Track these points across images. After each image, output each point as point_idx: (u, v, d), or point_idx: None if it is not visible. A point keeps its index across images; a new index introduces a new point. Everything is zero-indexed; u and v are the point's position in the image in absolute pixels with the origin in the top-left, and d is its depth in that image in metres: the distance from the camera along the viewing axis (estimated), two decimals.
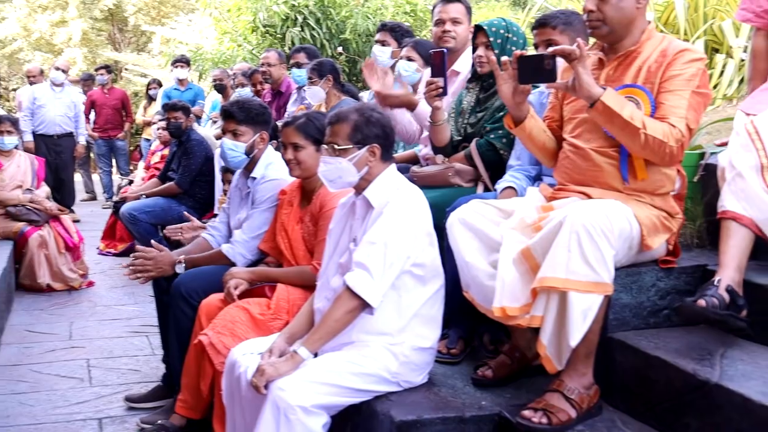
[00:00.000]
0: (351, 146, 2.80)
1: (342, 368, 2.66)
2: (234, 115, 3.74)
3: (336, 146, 2.81)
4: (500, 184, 3.28)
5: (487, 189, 3.45)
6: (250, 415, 2.74)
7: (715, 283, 2.57)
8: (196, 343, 3.22)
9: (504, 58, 2.77)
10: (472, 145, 3.48)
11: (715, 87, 4.82)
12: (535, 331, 2.58)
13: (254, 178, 3.77)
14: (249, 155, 3.75)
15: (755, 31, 3.13)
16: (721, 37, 4.94)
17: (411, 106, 3.79)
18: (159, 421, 3.50)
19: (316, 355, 2.71)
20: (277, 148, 3.87)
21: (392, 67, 4.46)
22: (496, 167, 3.45)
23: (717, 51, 4.96)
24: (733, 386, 2.28)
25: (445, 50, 3.44)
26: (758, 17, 3.07)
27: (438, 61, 3.38)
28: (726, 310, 2.52)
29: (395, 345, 2.76)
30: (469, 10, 4.09)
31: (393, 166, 2.91)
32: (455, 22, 4.03)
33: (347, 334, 2.74)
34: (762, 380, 2.30)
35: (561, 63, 2.72)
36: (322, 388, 2.59)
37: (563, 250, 2.46)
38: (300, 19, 9.25)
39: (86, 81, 11.66)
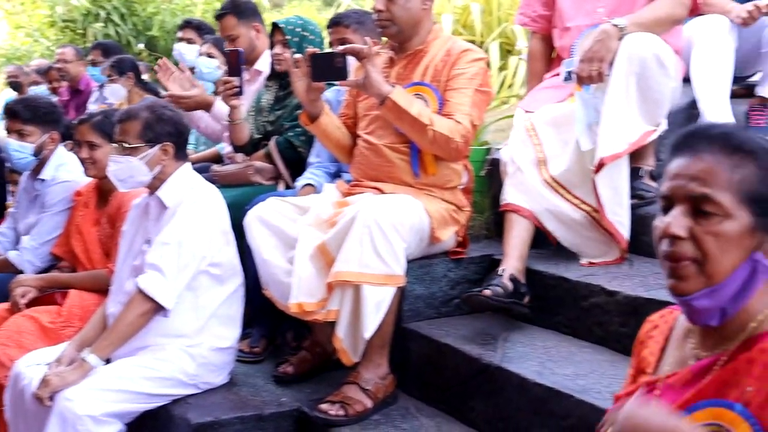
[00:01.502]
0: (142, 144, 2.72)
1: (135, 374, 2.58)
2: (19, 114, 3.54)
3: (126, 144, 2.73)
4: (299, 182, 3.31)
5: (288, 187, 3.47)
6: (35, 430, 2.61)
7: (500, 273, 2.73)
8: None
9: (297, 56, 2.81)
10: (272, 143, 3.49)
11: (510, 87, 5.13)
12: (334, 326, 2.63)
13: (43, 180, 3.58)
14: (37, 156, 3.56)
15: (532, 34, 3.34)
16: (513, 40, 5.25)
17: (206, 107, 3.74)
18: None
19: (109, 361, 2.63)
20: (72, 149, 3.70)
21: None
22: (296, 165, 3.47)
23: (510, 53, 5.27)
24: (512, 368, 2.43)
25: (240, 50, 3.44)
26: (534, 21, 3.27)
27: (234, 60, 3.37)
28: (510, 298, 2.68)
29: (192, 347, 2.72)
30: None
31: (187, 165, 2.86)
32: None
33: (141, 338, 2.67)
34: (537, 361, 2.47)
35: (354, 61, 2.79)
36: (114, 396, 2.51)
37: (356, 245, 2.52)
38: (103, 14, 8.87)
39: None
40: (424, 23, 2.87)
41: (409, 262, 2.75)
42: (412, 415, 2.64)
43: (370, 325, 2.53)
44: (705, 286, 1.29)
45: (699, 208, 1.28)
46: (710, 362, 1.34)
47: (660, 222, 1.33)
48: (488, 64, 4.86)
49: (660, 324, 1.55)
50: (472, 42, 5.07)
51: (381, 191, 2.81)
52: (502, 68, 5.16)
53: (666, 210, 1.33)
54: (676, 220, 1.29)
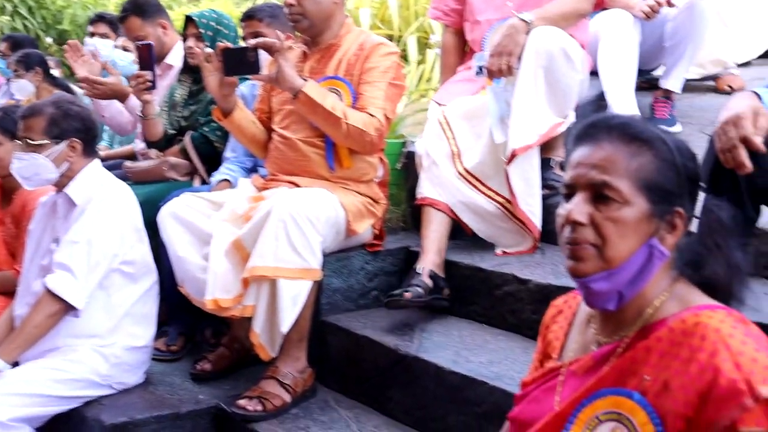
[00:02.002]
0: (47, 141, 2.65)
1: (43, 376, 2.52)
2: None
3: (30, 141, 2.66)
4: (215, 177, 3.27)
5: (204, 182, 3.43)
6: None
7: (418, 271, 2.75)
8: None
9: (208, 50, 2.79)
10: (186, 138, 3.44)
11: (428, 80, 5.17)
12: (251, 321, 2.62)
13: None
14: None
15: (445, 27, 3.39)
16: (431, 34, 5.30)
17: (122, 97, 3.66)
18: None
19: (17, 365, 2.56)
20: None
21: None
22: (212, 160, 3.43)
23: (428, 46, 5.31)
24: (428, 357, 2.47)
25: (151, 43, 3.38)
26: (446, 15, 3.31)
27: (145, 54, 3.31)
28: (430, 295, 2.71)
29: (105, 347, 2.67)
30: None
31: (96, 162, 2.81)
32: None
33: (51, 340, 2.61)
34: (453, 350, 2.51)
35: (267, 56, 2.78)
36: (22, 400, 2.44)
37: (271, 239, 2.52)
38: (9, 7, 8.57)
39: None
40: (336, 17, 2.87)
41: (326, 255, 2.77)
42: (331, 408, 2.66)
43: (287, 320, 2.53)
44: (603, 269, 1.33)
45: (599, 194, 1.32)
46: (610, 349, 1.38)
47: (563, 209, 1.37)
48: (405, 58, 4.93)
49: (564, 309, 1.59)
50: (390, 36, 5.13)
51: (296, 185, 2.81)
52: (420, 62, 5.20)
53: (568, 197, 1.37)
54: (577, 207, 1.33)
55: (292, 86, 2.66)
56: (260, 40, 2.71)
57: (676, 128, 3.39)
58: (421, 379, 2.46)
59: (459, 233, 3.00)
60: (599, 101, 3.42)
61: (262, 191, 2.86)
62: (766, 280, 2.27)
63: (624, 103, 3.24)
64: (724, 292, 1.39)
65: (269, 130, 2.99)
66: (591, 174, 1.33)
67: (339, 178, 2.85)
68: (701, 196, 1.39)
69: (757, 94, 1.98)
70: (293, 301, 2.55)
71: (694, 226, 1.37)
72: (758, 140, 1.83)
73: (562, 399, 1.43)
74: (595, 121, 1.41)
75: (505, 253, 2.88)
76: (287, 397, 2.61)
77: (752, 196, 1.92)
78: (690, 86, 3.74)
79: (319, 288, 2.79)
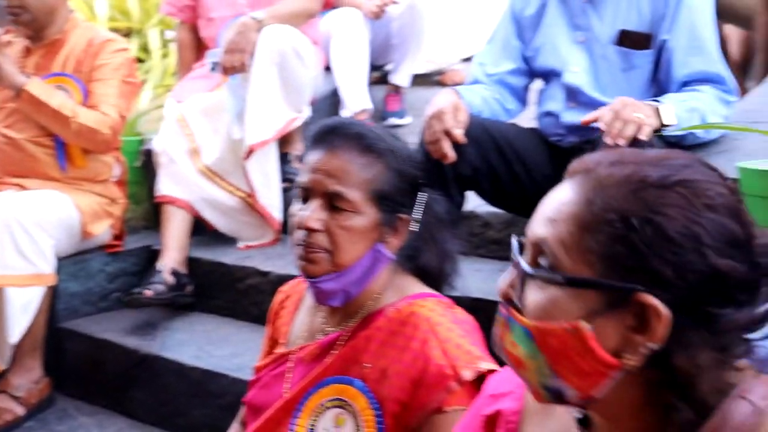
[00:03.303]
0: None
1: None
2: None
3: None
4: None
5: None
6: None
7: (159, 268, 2.75)
8: None
9: None
10: None
11: (174, 74, 5.07)
12: None
13: None
14: None
15: (180, 24, 3.37)
16: (173, 28, 5.20)
17: None
18: None
19: None
20: None
21: None
22: None
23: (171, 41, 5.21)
24: (171, 355, 2.49)
25: None
26: (180, 11, 3.30)
27: None
28: (172, 291, 2.71)
29: None
30: None
31: None
32: None
33: None
34: (196, 345, 2.54)
35: None
36: None
37: None
38: None
39: None
40: (60, 11, 2.78)
41: (61, 259, 2.69)
42: (71, 416, 2.60)
43: (17, 329, 2.45)
44: (332, 272, 1.41)
45: (333, 203, 1.40)
46: (335, 338, 1.47)
47: (297, 210, 1.43)
48: (147, 51, 4.80)
49: (291, 294, 1.66)
50: (130, 29, 4.97)
51: (24, 188, 2.70)
52: (165, 56, 5.09)
53: (305, 199, 1.44)
54: (313, 214, 1.40)
55: (13, 84, 2.57)
56: None
57: (406, 120, 3.64)
58: (163, 377, 2.47)
59: (201, 229, 3.02)
60: (334, 96, 3.57)
61: None
62: (477, 258, 2.51)
63: (357, 97, 3.41)
64: (437, 278, 1.53)
65: None
66: (326, 182, 1.40)
67: (72, 178, 2.77)
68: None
69: (458, 92, 2.20)
70: (24, 309, 2.46)
71: (415, 225, 1.48)
72: (459, 132, 2.03)
73: (291, 385, 1.50)
74: (333, 127, 1.47)
75: (248, 246, 2.94)
76: (20, 411, 2.53)
77: (458, 183, 2.11)
78: (419, 80, 4.00)
79: (54, 293, 2.70)
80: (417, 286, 1.49)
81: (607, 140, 1.89)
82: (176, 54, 3.44)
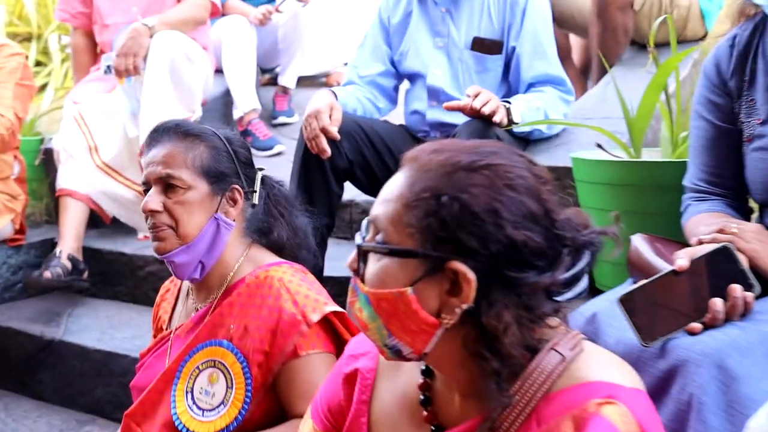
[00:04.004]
0: None
1: None
2: None
3: None
4: None
5: None
6: None
7: (57, 254, 2.69)
8: None
9: None
10: None
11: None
12: None
13: None
14: None
15: (74, 29, 3.27)
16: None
17: None
18: None
19: None
20: None
21: None
22: None
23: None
24: (74, 339, 2.46)
25: None
26: (74, 18, 3.18)
27: None
28: (70, 275, 2.66)
29: None
30: None
31: None
32: None
33: None
34: (99, 329, 2.50)
35: None
36: None
37: None
38: None
39: None
40: None
41: None
42: None
43: None
44: (180, 245, 1.45)
45: (167, 184, 1.44)
46: (205, 311, 1.51)
47: (144, 202, 1.47)
48: (47, 55, 4.63)
49: (171, 288, 1.69)
50: (30, 34, 4.78)
51: None
52: (64, 60, 4.92)
53: (147, 192, 1.47)
54: (151, 198, 1.44)
55: None
56: None
57: (294, 118, 3.67)
58: (67, 360, 2.43)
59: (102, 223, 2.97)
60: (226, 96, 3.56)
61: None
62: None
63: (247, 98, 3.41)
64: (289, 250, 1.58)
65: None
66: (158, 170, 1.45)
67: None
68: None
69: (334, 92, 2.25)
70: None
71: (257, 198, 1.53)
72: (333, 130, 2.08)
73: (170, 360, 1.51)
74: (156, 128, 1.52)
75: (146, 237, 2.90)
76: None
77: (335, 175, 2.16)
78: (307, 82, 4.03)
79: None
80: (271, 257, 1.53)
81: (477, 105, 1.99)
82: (72, 58, 3.34)
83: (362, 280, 0.93)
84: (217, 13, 3.19)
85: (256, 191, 1.54)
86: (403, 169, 0.93)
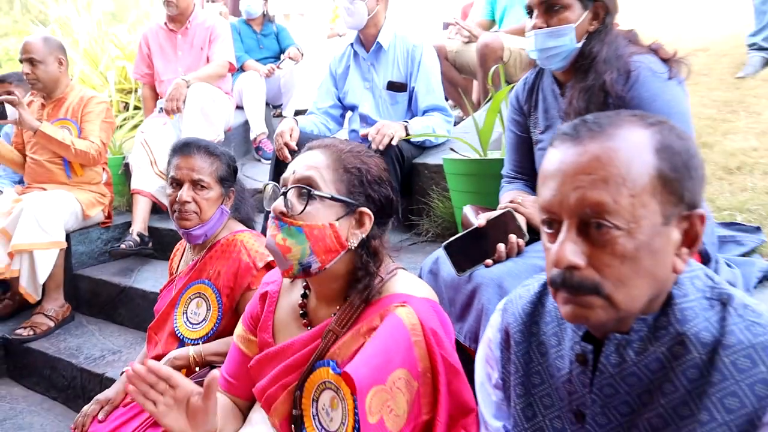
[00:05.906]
0: None
1: None
2: None
3: None
4: None
5: None
6: None
7: (131, 232, 2.95)
8: None
9: None
10: None
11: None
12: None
13: None
14: None
15: (143, 85, 3.49)
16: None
17: None
18: None
19: None
20: None
21: None
22: None
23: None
24: (140, 286, 2.62)
25: None
26: (142, 77, 3.43)
27: None
28: (139, 246, 2.92)
29: None
30: None
31: None
32: None
33: None
34: (155, 280, 2.66)
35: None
36: None
37: (26, 224, 2.59)
38: None
39: None
40: (62, 80, 2.92)
41: (72, 231, 2.85)
42: (83, 325, 2.75)
43: (42, 275, 2.62)
44: (198, 224, 1.56)
45: (196, 185, 1.55)
46: (196, 262, 1.63)
47: (171, 192, 1.56)
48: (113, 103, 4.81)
49: (179, 247, 1.81)
50: (131, 88, 4.88)
51: (44, 189, 2.86)
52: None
53: (174, 186, 1.56)
54: (185, 193, 1.54)
55: (31, 127, 2.72)
56: (4, 96, 2.71)
57: None
58: (135, 299, 2.64)
59: (159, 210, 3.14)
60: (245, 125, 3.77)
61: (21, 195, 2.87)
62: None
63: (258, 125, 3.65)
64: (250, 222, 1.75)
65: (24, 155, 2.99)
66: (192, 174, 1.55)
67: (75, 182, 2.93)
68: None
69: (296, 120, 2.47)
70: (46, 262, 2.63)
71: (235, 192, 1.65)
72: (293, 143, 2.30)
73: (175, 292, 1.64)
74: (188, 143, 1.60)
75: None
76: (52, 324, 2.70)
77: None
78: (302, 114, 4.17)
79: (69, 252, 2.86)
80: (239, 226, 1.68)
81: (373, 146, 2.20)
82: (142, 103, 3.57)
83: (292, 219, 0.98)
84: (233, 69, 3.37)
85: (236, 189, 1.68)
86: (316, 152, 1.02)
